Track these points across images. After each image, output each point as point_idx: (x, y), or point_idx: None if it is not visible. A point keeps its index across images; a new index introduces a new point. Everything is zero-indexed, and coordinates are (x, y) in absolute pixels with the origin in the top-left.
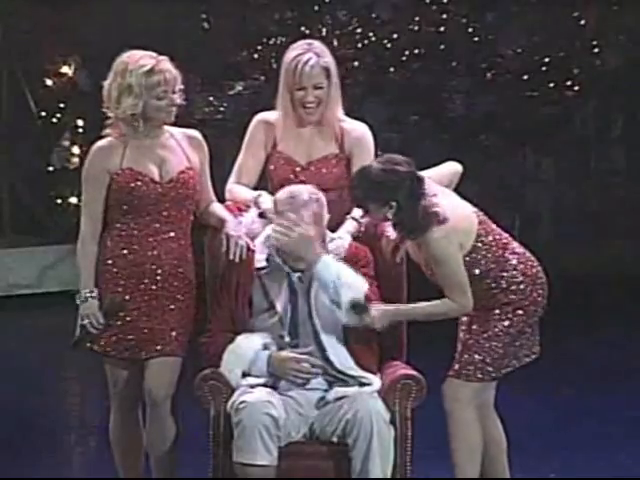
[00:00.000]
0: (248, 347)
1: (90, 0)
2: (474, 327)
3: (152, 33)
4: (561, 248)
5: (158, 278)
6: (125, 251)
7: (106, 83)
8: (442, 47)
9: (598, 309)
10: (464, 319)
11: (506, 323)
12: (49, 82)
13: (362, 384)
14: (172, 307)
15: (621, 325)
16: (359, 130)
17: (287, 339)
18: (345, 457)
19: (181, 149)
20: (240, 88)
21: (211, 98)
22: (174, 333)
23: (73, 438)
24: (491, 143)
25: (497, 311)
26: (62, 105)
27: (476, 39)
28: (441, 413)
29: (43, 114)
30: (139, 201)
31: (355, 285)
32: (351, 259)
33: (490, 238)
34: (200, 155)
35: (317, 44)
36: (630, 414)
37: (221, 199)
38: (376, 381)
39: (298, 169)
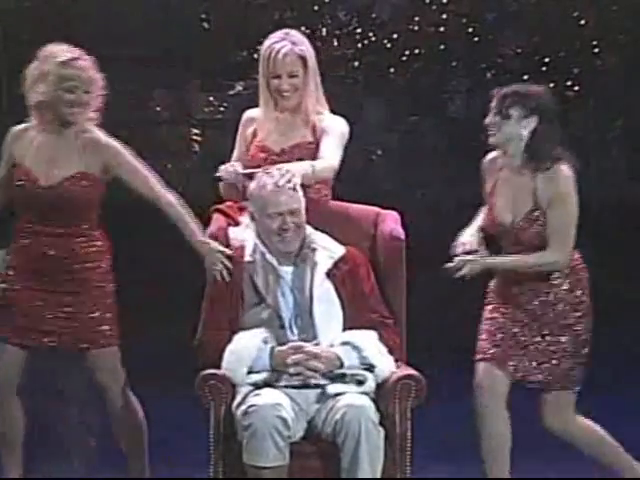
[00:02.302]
0: (249, 344)
1: (90, 0)
2: (560, 333)
3: (152, 33)
4: None
5: (46, 273)
6: (24, 241)
7: (29, 67)
8: (442, 47)
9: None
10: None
11: (585, 321)
12: None
13: (359, 382)
14: (68, 299)
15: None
16: (330, 119)
17: (288, 333)
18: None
19: (80, 153)
20: (240, 88)
21: (211, 98)
22: (77, 324)
23: (73, 438)
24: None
25: (575, 313)
26: None
27: (476, 39)
28: (441, 413)
29: None
30: (22, 199)
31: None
32: (350, 264)
33: None
34: (104, 158)
35: (294, 33)
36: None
37: (221, 200)
38: (371, 378)
39: (273, 156)
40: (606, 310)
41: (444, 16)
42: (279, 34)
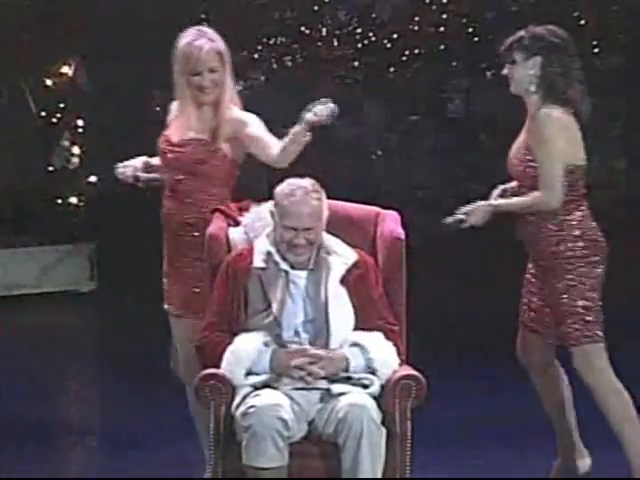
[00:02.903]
0: (249, 346)
1: (90, 0)
2: (560, 286)
3: (152, 33)
4: None
5: None
6: None
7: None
8: (442, 47)
9: None
10: (532, 288)
11: (584, 269)
12: (49, 82)
13: (365, 386)
14: None
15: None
16: (243, 114)
17: (296, 340)
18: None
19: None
20: (240, 88)
21: None
22: None
23: (73, 438)
24: (491, 143)
25: (566, 264)
26: (62, 105)
27: (476, 39)
28: (441, 413)
29: (43, 114)
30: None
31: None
32: (362, 269)
33: (580, 182)
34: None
35: (208, 30)
36: None
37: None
38: (377, 382)
39: (169, 147)
40: None
41: (444, 16)
42: (193, 31)
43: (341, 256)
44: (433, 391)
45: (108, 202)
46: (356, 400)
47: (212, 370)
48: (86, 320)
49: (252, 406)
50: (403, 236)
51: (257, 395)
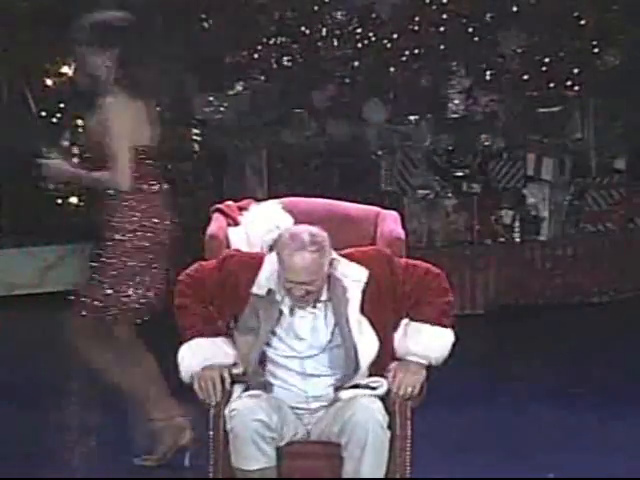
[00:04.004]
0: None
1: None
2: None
3: (152, 33)
4: (562, 247)
5: None
6: None
7: None
8: (442, 47)
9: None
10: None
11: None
12: (49, 82)
13: (373, 388)
14: None
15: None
16: None
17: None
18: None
19: None
20: (240, 88)
21: (211, 98)
22: None
23: (73, 438)
24: (491, 143)
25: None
26: (62, 105)
27: (476, 39)
28: (441, 413)
29: (43, 114)
30: None
31: None
32: (374, 282)
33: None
34: None
35: None
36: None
37: (222, 200)
38: (385, 384)
39: None
40: None
41: (444, 16)
42: None
43: (356, 281)
44: (433, 391)
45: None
46: (363, 402)
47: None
48: None
49: (234, 409)
50: (403, 236)
51: (240, 397)
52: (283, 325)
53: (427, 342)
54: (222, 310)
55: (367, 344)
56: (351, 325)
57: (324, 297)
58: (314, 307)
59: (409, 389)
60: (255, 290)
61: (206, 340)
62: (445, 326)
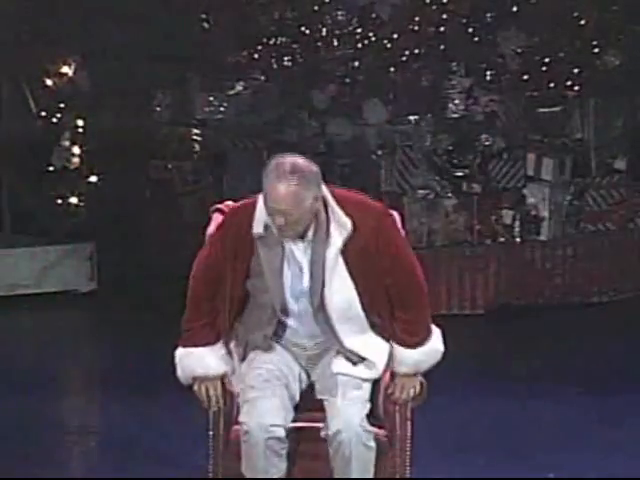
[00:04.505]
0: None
1: (91, 0)
2: None
3: (152, 33)
4: (562, 247)
5: None
6: None
7: None
8: (442, 47)
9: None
10: None
11: None
12: (49, 82)
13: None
14: None
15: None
16: None
17: (291, 302)
18: None
19: None
20: (240, 88)
21: (211, 98)
22: None
23: (73, 438)
24: (491, 143)
25: None
26: (62, 105)
27: (476, 39)
28: (441, 413)
29: (43, 114)
30: None
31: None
32: (361, 237)
33: None
34: None
35: None
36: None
37: (222, 200)
38: (378, 366)
39: None
40: None
41: (444, 16)
42: None
43: (339, 226)
44: (433, 391)
45: (108, 202)
46: (348, 419)
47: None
48: (86, 320)
49: (244, 423)
50: (403, 236)
51: (251, 406)
52: (289, 260)
53: (415, 362)
54: (235, 266)
55: (339, 289)
56: (326, 266)
57: (310, 236)
58: (302, 240)
59: (410, 392)
60: (255, 229)
61: (200, 350)
62: (427, 340)
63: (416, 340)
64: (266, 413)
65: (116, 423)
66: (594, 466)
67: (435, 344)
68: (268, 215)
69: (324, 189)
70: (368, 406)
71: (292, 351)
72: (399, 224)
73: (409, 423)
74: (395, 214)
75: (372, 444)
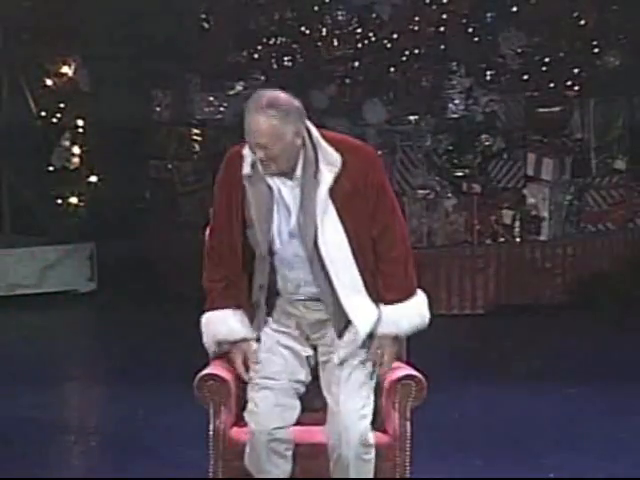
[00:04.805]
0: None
1: (91, 0)
2: None
3: (152, 33)
4: (562, 247)
5: None
6: None
7: None
8: (442, 47)
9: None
10: None
11: None
12: (49, 82)
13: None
14: None
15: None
16: None
17: (277, 242)
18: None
19: None
20: (240, 88)
21: (211, 98)
22: None
23: (73, 438)
24: (491, 143)
25: None
26: (62, 105)
27: (476, 39)
28: (441, 413)
29: (43, 114)
30: None
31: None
32: (349, 178)
33: None
34: None
35: None
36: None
37: None
38: (363, 329)
39: None
40: None
41: (444, 16)
42: None
43: (329, 163)
44: (433, 391)
45: (108, 202)
46: (347, 438)
47: (211, 370)
48: (86, 320)
49: (248, 422)
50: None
51: (252, 401)
52: (278, 201)
53: (393, 321)
54: (234, 214)
55: (330, 231)
56: (317, 206)
57: (299, 175)
58: (291, 180)
59: (389, 358)
60: (244, 170)
61: (222, 312)
62: (407, 298)
63: (394, 295)
64: (268, 416)
65: (116, 423)
66: (594, 466)
67: (417, 305)
68: (250, 149)
69: (312, 128)
70: (370, 413)
71: (293, 323)
72: (385, 171)
73: (409, 423)
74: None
75: (371, 456)
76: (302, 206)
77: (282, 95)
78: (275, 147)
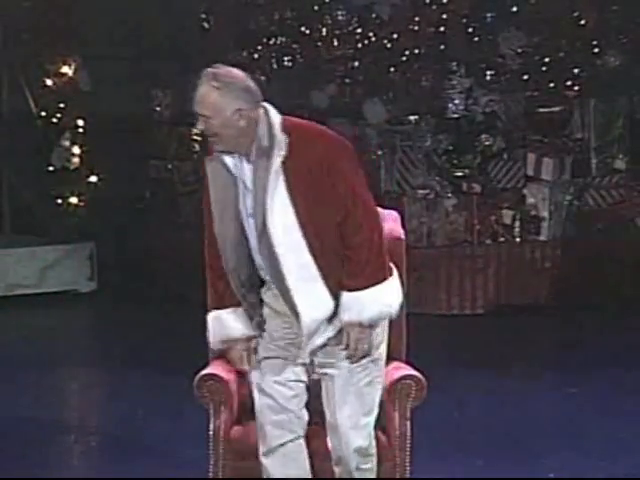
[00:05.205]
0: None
1: (91, 0)
2: None
3: (152, 33)
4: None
5: None
6: None
7: None
8: (442, 47)
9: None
10: None
11: None
12: (49, 82)
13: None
14: None
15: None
16: None
17: (246, 225)
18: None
19: None
20: None
21: None
22: None
23: (73, 438)
24: (491, 143)
25: None
26: (62, 105)
27: (476, 39)
28: (440, 413)
29: (43, 114)
30: None
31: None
32: (299, 158)
33: None
34: None
35: None
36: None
37: None
38: (307, 318)
39: None
40: None
41: (444, 16)
42: None
43: (278, 148)
44: (433, 391)
45: (108, 202)
46: (345, 455)
47: (211, 370)
48: (86, 320)
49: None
50: (403, 236)
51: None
52: (240, 184)
53: (356, 309)
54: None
55: (279, 211)
56: (267, 186)
57: (254, 157)
58: (248, 162)
59: (357, 345)
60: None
61: (224, 312)
62: (371, 285)
63: (353, 282)
64: (277, 440)
65: (116, 422)
66: (594, 466)
67: (382, 294)
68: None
69: (273, 113)
70: (372, 422)
71: (282, 343)
72: (355, 161)
73: (409, 423)
74: (395, 213)
75: (371, 465)
76: (255, 185)
77: (233, 71)
78: (214, 120)
